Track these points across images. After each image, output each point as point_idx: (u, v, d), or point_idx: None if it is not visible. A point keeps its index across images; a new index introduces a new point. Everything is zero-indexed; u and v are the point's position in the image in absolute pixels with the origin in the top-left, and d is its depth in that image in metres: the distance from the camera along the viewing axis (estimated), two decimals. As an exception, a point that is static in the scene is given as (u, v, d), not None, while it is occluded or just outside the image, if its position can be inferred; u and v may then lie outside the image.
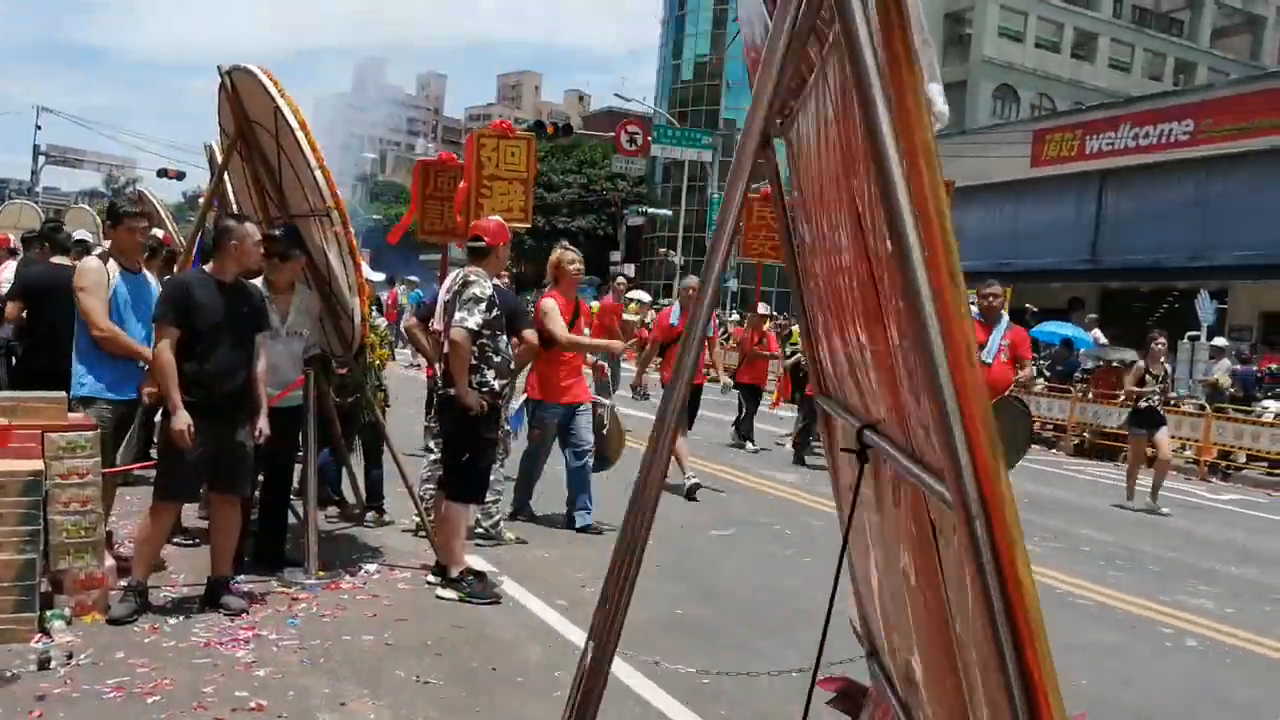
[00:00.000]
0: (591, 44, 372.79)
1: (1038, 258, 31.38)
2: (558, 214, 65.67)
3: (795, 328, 25.71)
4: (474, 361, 5.84)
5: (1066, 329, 22.15)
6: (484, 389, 5.86)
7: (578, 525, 7.78)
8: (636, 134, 44.00)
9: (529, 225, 8.92)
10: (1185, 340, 20.23)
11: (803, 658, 5.25)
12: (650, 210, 47.58)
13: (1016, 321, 12.09)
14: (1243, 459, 15.59)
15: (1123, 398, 12.68)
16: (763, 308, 14.87)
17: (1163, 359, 12.00)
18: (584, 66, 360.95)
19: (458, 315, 5.79)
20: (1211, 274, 25.20)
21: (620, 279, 15.66)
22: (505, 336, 6.09)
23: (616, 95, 45.61)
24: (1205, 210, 27.35)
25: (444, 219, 9.58)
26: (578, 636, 5.26)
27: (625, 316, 15.59)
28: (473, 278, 5.90)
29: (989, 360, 8.02)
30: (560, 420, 7.75)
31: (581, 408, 7.83)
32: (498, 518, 7.25)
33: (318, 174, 5.48)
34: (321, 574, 5.89)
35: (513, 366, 6.31)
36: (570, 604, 5.84)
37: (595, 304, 15.50)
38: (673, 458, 8.77)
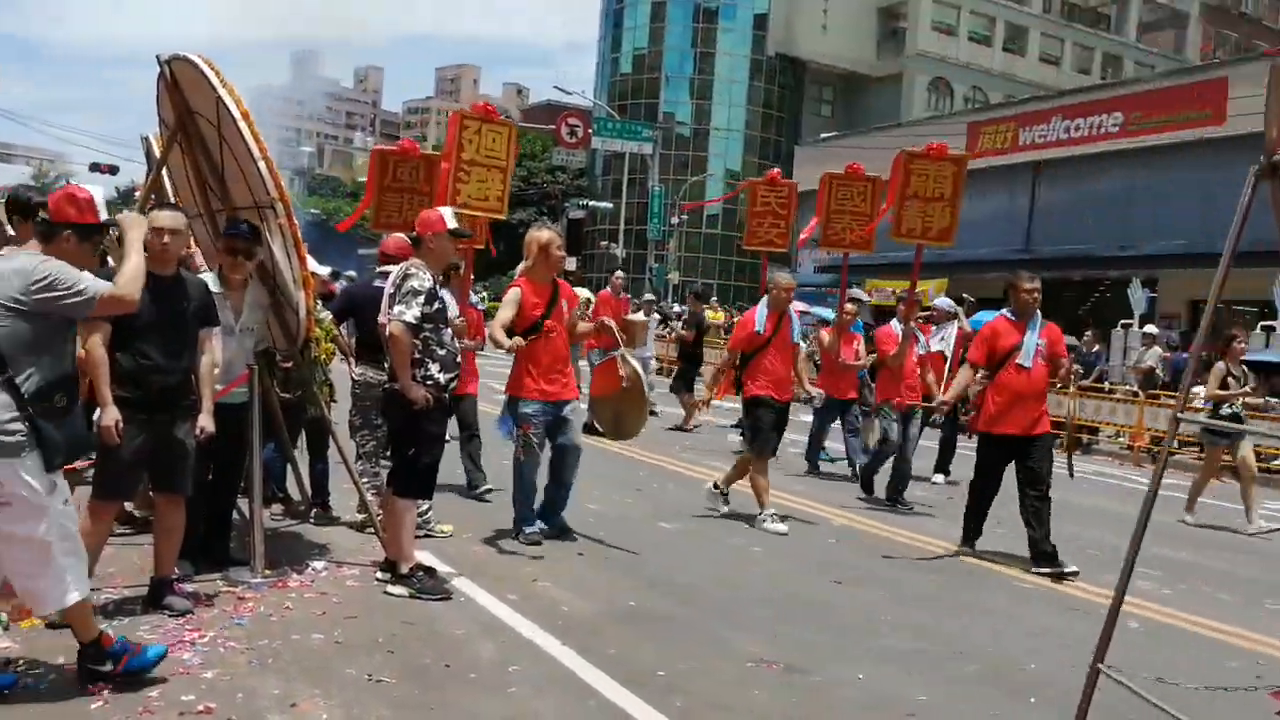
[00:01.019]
0: (530, 38, 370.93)
1: (974, 248, 31.72)
2: (497, 207, 65.46)
3: (720, 313, 25.66)
4: (417, 355, 5.79)
5: (1002, 318, 22.46)
6: (428, 382, 5.81)
7: (554, 525, 7.28)
8: (577, 127, 43.92)
9: (504, 216, 8.55)
10: (1118, 328, 20.64)
11: (757, 644, 5.28)
12: (591, 203, 47.51)
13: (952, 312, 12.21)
14: (1175, 444, 15.94)
15: (1202, 402, 11.37)
16: (850, 304, 13.40)
17: (1241, 359, 10.83)
18: (523, 60, 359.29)
19: (396, 309, 5.74)
20: (1141, 263, 25.74)
21: (619, 274, 14.65)
22: (449, 329, 6.03)
23: (556, 88, 45.63)
24: (1134, 201, 27.93)
25: (403, 211, 8.94)
26: (530, 631, 5.24)
27: (632, 316, 14.97)
28: (412, 270, 5.84)
29: (1028, 363, 7.52)
30: (547, 422, 7.08)
31: (569, 407, 7.15)
32: (428, 509, 7.13)
33: (261, 165, 5.39)
34: (268, 573, 5.79)
35: (459, 360, 6.24)
36: (521, 598, 5.80)
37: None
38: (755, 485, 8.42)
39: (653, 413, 14.92)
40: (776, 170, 12.82)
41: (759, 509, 8.41)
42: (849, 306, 11.70)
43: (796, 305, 32.70)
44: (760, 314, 8.72)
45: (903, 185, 9.55)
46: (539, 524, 7.18)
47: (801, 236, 12.09)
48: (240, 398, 5.91)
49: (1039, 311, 7.71)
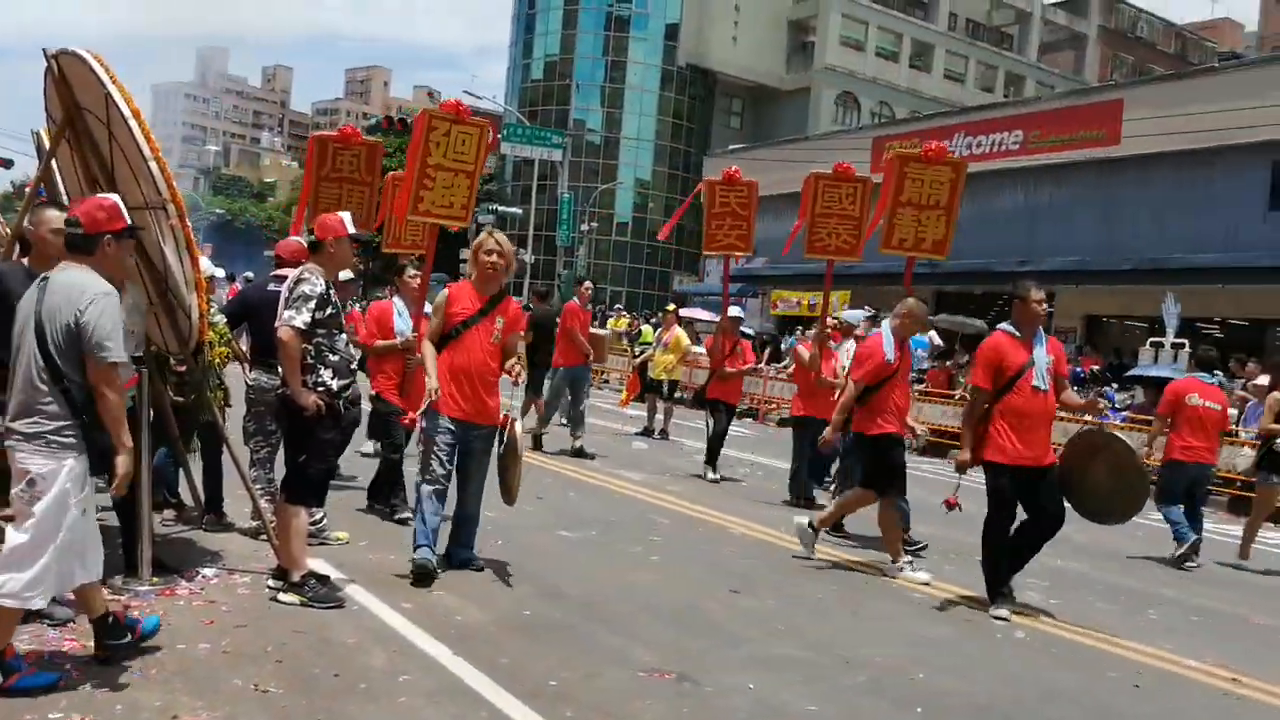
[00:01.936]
0: (441, 41, 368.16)
1: (876, 260, 32.29)
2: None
3: (645, 327, 25.83)
4: (309, 361, 5.71)
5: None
6: (320, 388, 5.73)
7: (460, 559, 6.64)
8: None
9: (468, 224, 8.11)
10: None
11: (651, 654, 5.30)
12: (500, 209, 47.20)
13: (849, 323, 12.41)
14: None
15: (1259, 438, 10.28)
16: (735, 310, 12.71)
17: None
18: (434, 63, 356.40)
19: (286, 313, 5.66)
20: (1039, 278, 26.33)
21: (587, 284, 13.85)
22: (343, 335, 5.96)
23: (466, 93, 45.02)
24: (1033, 217, 28.72)
25: (342, 203, 8.24)
26: (423, 641, 5.20)
27: (598, 330, 14.13)
28: (306, 274, 5.77)
29: (1043, 385, 6.69)
30: (451, 442, 6.43)
31: (481, 432, 6.50)
32: (321, 517, 7.03)
33: (152, 165, 5.26)
34: (155, 580, 5.66)
35: (353, 366, 6.16)
36: (416, 607, 5.76)
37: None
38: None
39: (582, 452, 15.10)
40: (736, 168, 12.10)
41: (892, 559, 7.78)
42: (831, 320, 11.23)
43: (699, 312, 32.82)
44: (888, 343, 7.88)
45: (895, 191, 8.80)
46: (429, 553, 6.37)
47: (786, 246, 11.43)
48: (128, 403, 5.75)
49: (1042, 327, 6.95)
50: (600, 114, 59.59)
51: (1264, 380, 14.46)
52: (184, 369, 6.53)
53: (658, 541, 8.24)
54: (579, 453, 12.46)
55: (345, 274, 8.66)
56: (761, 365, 23.55)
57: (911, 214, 8.86)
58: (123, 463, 4.35)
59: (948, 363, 19.81)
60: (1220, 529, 11.85)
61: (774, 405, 21.99)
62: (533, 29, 61.77)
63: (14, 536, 4.19)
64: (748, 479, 12.37)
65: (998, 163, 29.68)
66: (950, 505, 6.90)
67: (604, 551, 7.77)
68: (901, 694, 5.10)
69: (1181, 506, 9.51)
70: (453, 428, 6.39)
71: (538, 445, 12.51)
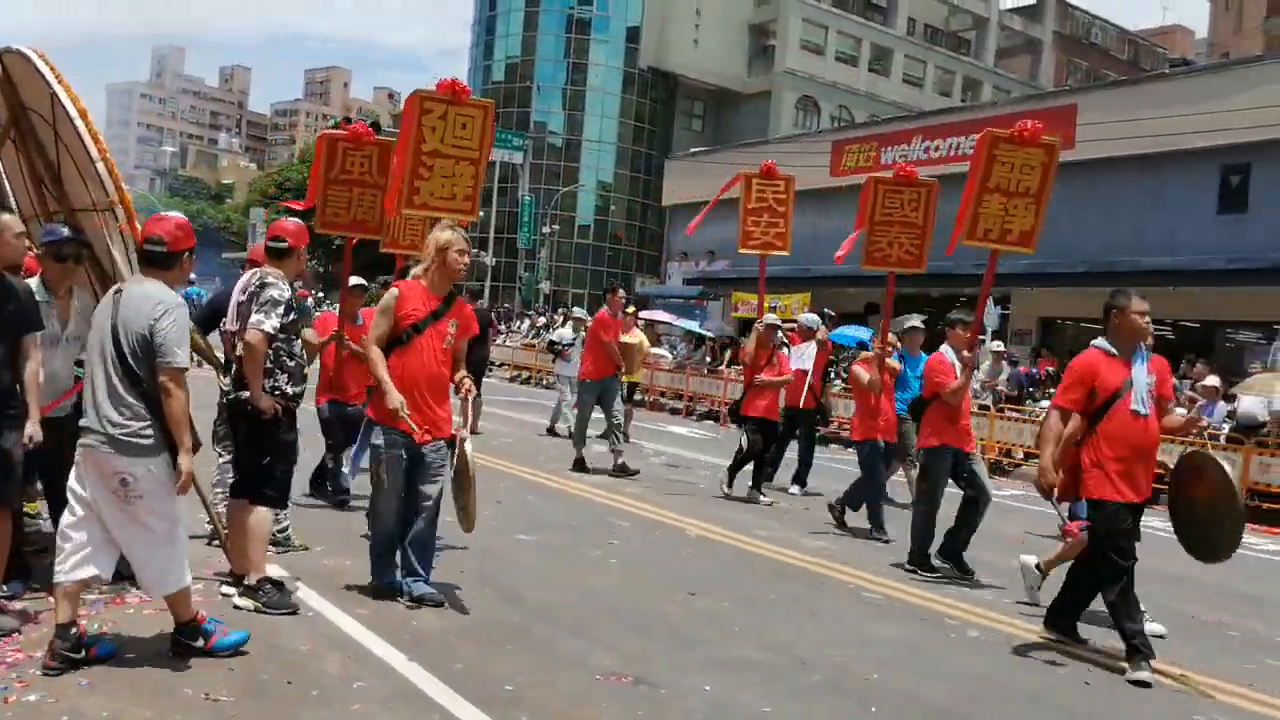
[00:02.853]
0: (403, 42, 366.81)
1: (836, 264, 32.54)
2: (365, 213, 64.37)
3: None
4: (268, 365, 5.67)
5: (864, 333, 23.08)
6: (275, 393, 5.71)
7: (414, 594, 5.96)
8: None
9: (476, 218, 7.29)
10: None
11: (608, 657, 5.30)
12: (460, 211, 47.07)
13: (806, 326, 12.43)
14: (1020, 455, 16.64)
15: None
16: (770, 316, 11.81)
17: None
18: (395, 64, 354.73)
19: (255, 317, 5.61)
20: (995, 280, 26.68)
21: (620, 291, 12.68)
22: (299, 340, 5.93)
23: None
24: (989, 220, 28.93)
25: (352, 208, 7.84)
26: (379, 647, 5.16)
27: (627, 338, 12.97)
28: (270, 279, 5.73)
29: (1144, 409, 5.88)
30: (401, 458, 5.96)
31: (434, 447, 6.00)
32: (286, 524, 7.00)
33: (100, 166, 5.21)
34: (105, 588, 5.58)
35: (306, 371, 6.12)
36: (371, 612, 5.71)
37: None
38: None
39: (555, 433, 15.08)
40: (771, 161, 11.51)
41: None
42: (891, 338, 10.31)
43: (661, 315, 32.77)
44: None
45: (983, 175, 7.85)
46: (394, 577, 6.08)
47: (839, 253, 10.11)
48: (65, 411, 5.66)
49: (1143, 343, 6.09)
50: (561, 116, 59.55)
51: (1213, 380, 14.70)
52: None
53: (616, 545, 8.24)
54: (621, 470, 11.68)
55: (355, 280, 8.57)
56: (722, 366, 23.66)
57: (999, 201, 7.91)
58: (185, 462, 4.60)
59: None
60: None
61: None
62: (493, 31, 61.63)
63: (137, 534, 4.59)
64: (706, 481, 12.39)
65: (955, 166, 29.85)
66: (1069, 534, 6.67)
67: (562, 555, 7.75)
68: (857, 694, 5.12)
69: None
70: (404, 442, 5.91)
71: (581, 468, 11.77)
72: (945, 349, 8.23)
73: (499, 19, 61.38)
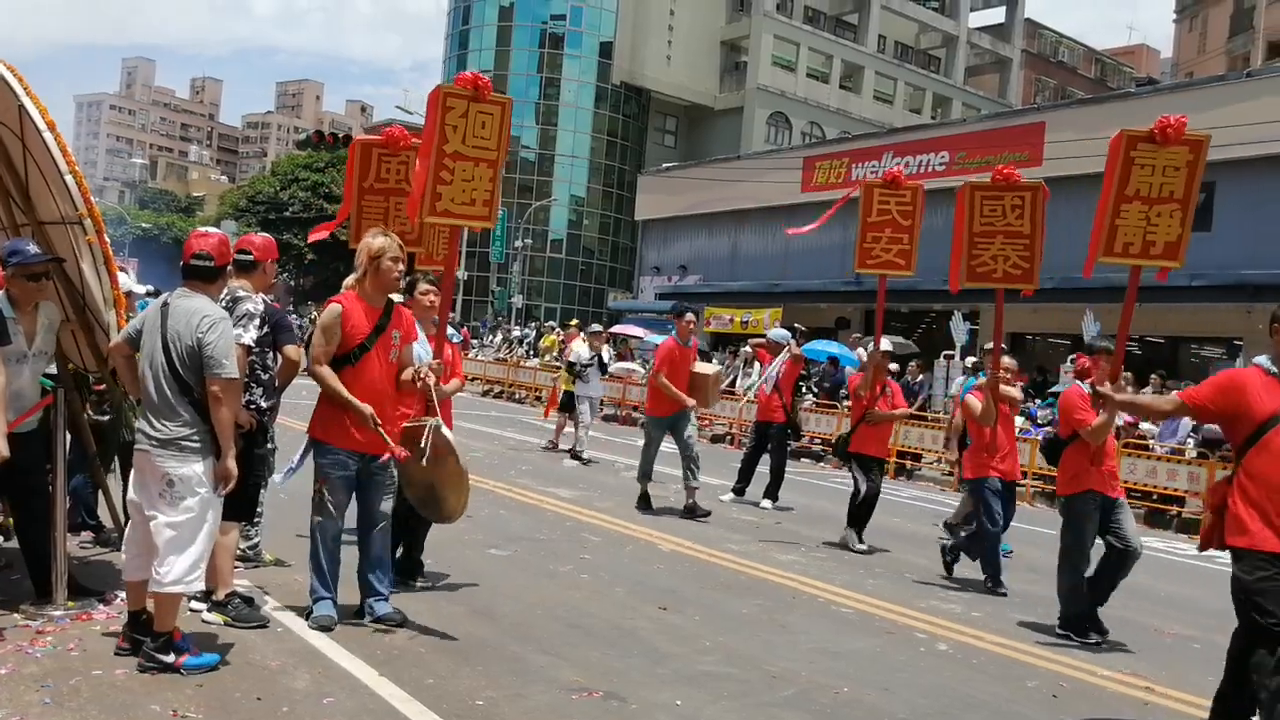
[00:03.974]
0: (375, 56, 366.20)
1: (807, 279, 32.79)
2: (340, 226, 64.02)
3: (552, 338, 25.72)
4: (244, 379, 5.64)
5: (833, 347, 23.25)
6: (250, 406, 5.70)
7: (377, 614, 5.82)
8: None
9: (492, 224, 6.68)
10: (941, 359, 21.53)
11: (578, 673, 5.30)
12: (433, 224, 46.99)
13: (776, 340, 12.50)
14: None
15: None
16: (886, 343, 10.49)
17: None
18: (367, 77, 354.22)
19: (233, 330, 5.59)
20: (964, 296, 26.86)
21: (690, 315, 11.21)
22: (274, 354, 5.92)
23: (398, 108, 44.75)
24: (959, 236, 29.21)
25: (388, 217, 7.30)
26: (349, 662, 5.14)
27: (703, 368, 11.34)
28: (241, 293, 5.71)
29: None
30: (348, 477, 5.79)
31: (382, 462, 5.81)
32: (256, 540, 6.96)
33: (69, 179, 5.18)
34: (71, 604, 5.54)
35: (277, 384, 6.09)
36: (340, 628, 5.68)
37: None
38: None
39: (580, 458, 14.47)
40: (898, 168, 10.37)
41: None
42: (1007, 362, 9.10)
43: (633, 329, 32.69)
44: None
45: (1120, 181, 6.92)
46: (331, 606, 5.77)
47: (953, 283, 8.76)
48: (31, 426, 5.61)
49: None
50: (535, 131, 59.59)
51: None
52: (103, 387, 6.42)
53: (587, 559, 8.24)
54: (691, 511, 10.65)
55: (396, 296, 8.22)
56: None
57: (1139, 210, 6.90)
58: (230, 464, 4.88)
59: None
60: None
61: (706, 422, 22.07)
62: (467, 45, 61.65)
63: (166, 531, 4.75)
64: (677, 495, 12.41)
65: (925, 183, 30.11)
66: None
67: (534, 570, 7.74)
68: (826, 708, 5.15)
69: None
70: (350, 461, 5.72)
71: (645, 506, 10.84)
72: (1079, 382, 7.40)
73: (472, 33, 61.42)
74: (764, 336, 13.05)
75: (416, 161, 6.47)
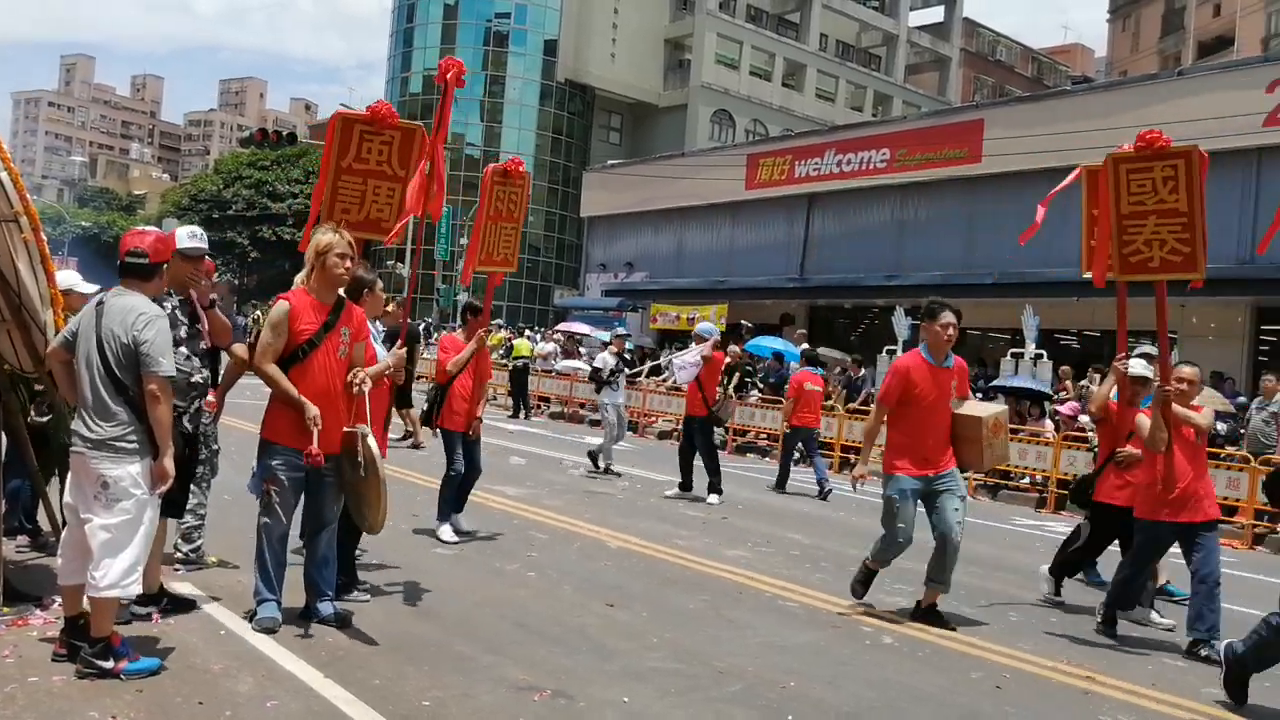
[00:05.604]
0: (321, 54, 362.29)
1: (751, 275, 32.98)
2: (284, 224, 63.34)
3: (516, 341, 25.76)
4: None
5: (778, 343, 23.45)
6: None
7: (322, 615, 5.80)
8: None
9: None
10: (884, 354, 21.75)
11: (526, 671, 5.30)
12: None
13: (732, 336, 12.64)
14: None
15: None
16: (1138, 365, 7.77)
17: None
18: (313, 76, 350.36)
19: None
20: (906, 292, 27.27)
21: (947, 315, 7.27)
22: (196, 357, 5.79)
23: (342, 105, 44.36)
24: (900, 233, 29.58)
25: (365, 203, 6.83)
26: (293, 664, 5.10)
27: (972, 408, 7.41)
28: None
29: None
30: (297, 477, 5.72)
31: (327, 463, 5.63)
32: (199, 543, 6.88)
33: (3, 175, 5.09)
34: (6, 610, 5.44)
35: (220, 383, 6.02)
36: (286, 630, 5.63)
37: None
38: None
39: (611, 472, 14.02)
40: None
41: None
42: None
43: (579, 326, 32.51)
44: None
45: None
46: (275, 609, 5.70)
47: (1090, 274, 7.48)
48: None
49: None
50: (480, 128, 59.25)
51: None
52: (44, 389, 6.31)
53: (534, 557, 8.24)
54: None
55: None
56: (641, 379, 23.73)
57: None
58: (168, 464, 4.84)
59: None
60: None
61: (653, 419, 22.14)
62: (411, 43, 61.16)
63: (101, 534, 4.70)
64: (625, 492, 12.44)
65: (866, 179, 30.49)
66: None
67: (480, 568, 7.73)
68: (773, 702, 5.19)
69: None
70: (298, 461, 5.61)
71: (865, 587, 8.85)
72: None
73: (417, 31, 60.93)
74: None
75: (435, 151, 6.80)
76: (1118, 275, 7.10)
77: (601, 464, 13.95)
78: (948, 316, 7.12)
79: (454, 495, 8.79)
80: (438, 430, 8.85)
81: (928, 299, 7.02)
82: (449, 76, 7.02)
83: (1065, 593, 8.22)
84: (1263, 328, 23.17)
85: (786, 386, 16.14)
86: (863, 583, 7.35)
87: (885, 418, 7.21)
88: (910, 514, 7.00)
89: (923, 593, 7.17)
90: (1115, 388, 7.73)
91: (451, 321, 44.26)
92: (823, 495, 13.42)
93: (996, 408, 7.67)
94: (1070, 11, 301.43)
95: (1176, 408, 6.85)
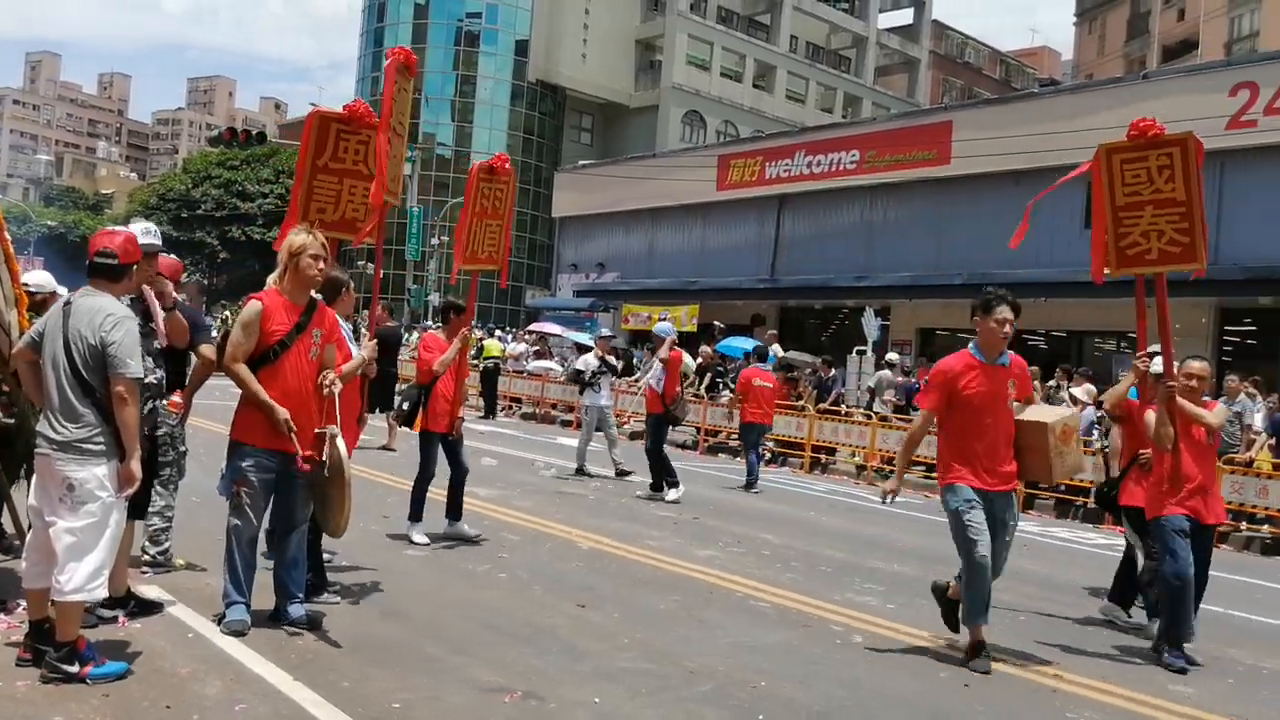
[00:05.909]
0: (291, 54, 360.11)
1: (722, 276, 33.05)
2: (254, 224, 62.87)
3: (487, 342, 25.66)
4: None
5: (749, 344, 23.48)
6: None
7: (292, 617, 5.77)
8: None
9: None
10: (853, 354, 21.86)
11: (496, 672, 5.29)
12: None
13: (705, 339, 12.73)
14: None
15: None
16: (1156, 363, 7.03)
17: None
18: (283, 75, 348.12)
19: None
20: (875, 293, 27.42)
21: (1003, 310, 6.44)
22: (150, 356, 5.73)
23: (312, 105, 44.12)
24: (870, 234, 29.71)
25: (341, 203, 6.74)
26: (262, 667, 5.07)
27: (1036, 413, 6.65)
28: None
29: None
30: (268, 479, 5.69)
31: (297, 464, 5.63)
32: (167, 545, 6.83)
33: (-35, 178, 5.03)
34: (-27, 615, 5.39)
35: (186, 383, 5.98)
36: (254, 633, 5.59)
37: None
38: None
39: (624, 472, 13.85)
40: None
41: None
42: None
43: (551, 327, 32.49)
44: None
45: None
46: (244, 611, 5.65)
47: (1097, 272, 7.11)
48: None
49: None
50: (451, 128, 59.07)
51: (1080, 391, 15.26)
52: (8, 390, 6.23)
53: (505, 558, 8.23)
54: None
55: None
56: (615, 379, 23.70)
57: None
58: (135, 466, 4.80)
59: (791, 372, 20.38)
60: (1048, 532, 12.48)
61: (625, 419, 22.13)
62: (382, 42, 60.77)
63: (66, 537, 4.66)
64: (596, 493, 12.44)
65: (836, 181, 30.60)
66: None
67: (450, 569, 7.71)
68: (744, 702, 5.21)
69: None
70: (269, 462, 5.62)
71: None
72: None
73: (387, 30, 60.63)
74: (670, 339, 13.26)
75: (379, 139, 6.53)
76: (1114, 270, 6.91)
77: (622, 464, 13.97)
78: (1004, 311, 6.35)
79: (445, 497, 8.82)
80: (417, 431, 8.82)
81: (984, 290, 6.46)
82: (395, 61, 6.82)
83: (1009, 597, 8.13)
84: (1226, 328, 23.41)
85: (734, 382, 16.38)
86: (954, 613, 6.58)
87: (929, 425, 6.59)
88: (983, 520, 6.19)
89: (887, 594, 7.17)
90: (1133, 386, 7.43)
91: (424, 321, 44.12)
92: (748, 486, 13.95)
93: (1064, 412, 7.03)
94: (1038, 14, 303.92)
95: (1187, 405, 6.66)
